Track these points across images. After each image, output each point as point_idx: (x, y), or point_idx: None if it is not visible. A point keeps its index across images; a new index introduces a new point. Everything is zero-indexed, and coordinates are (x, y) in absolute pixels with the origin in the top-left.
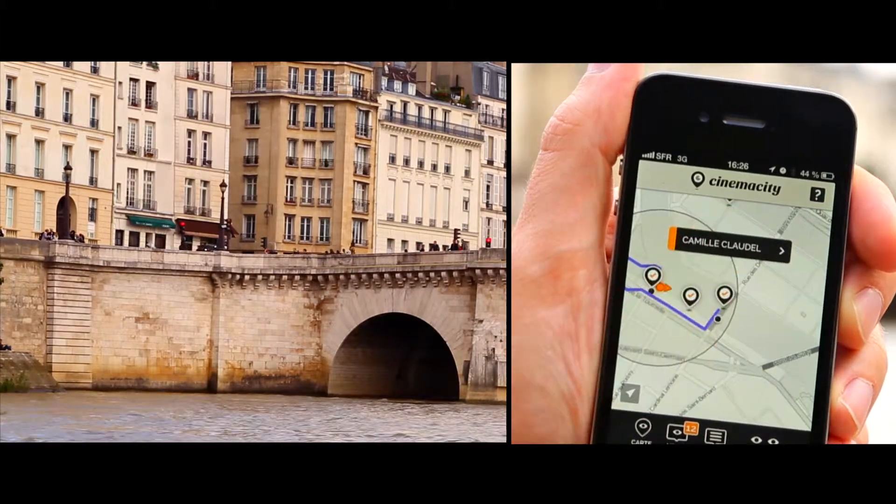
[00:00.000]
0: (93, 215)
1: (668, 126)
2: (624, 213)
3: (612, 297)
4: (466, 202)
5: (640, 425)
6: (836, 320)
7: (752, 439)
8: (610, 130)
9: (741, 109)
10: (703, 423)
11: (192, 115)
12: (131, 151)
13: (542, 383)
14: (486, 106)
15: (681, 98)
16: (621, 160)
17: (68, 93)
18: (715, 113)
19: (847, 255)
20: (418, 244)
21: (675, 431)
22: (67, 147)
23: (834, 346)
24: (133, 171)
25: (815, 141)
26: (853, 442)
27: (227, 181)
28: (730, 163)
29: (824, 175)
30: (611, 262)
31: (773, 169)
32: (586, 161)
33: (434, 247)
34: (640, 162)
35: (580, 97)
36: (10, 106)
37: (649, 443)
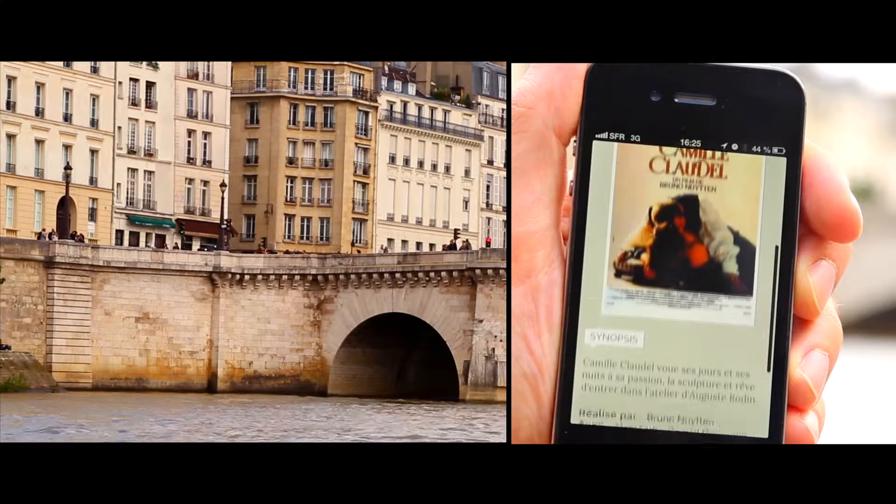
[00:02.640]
0: (93, 215)
1: (621, 106)
2: (579, 193)
3: (570, 277)
4: (466, 202)
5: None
6: (792, 292)
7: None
8: (562, 112)
9: (692, 87)
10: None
11: (192, 115)
12: (131, 151)
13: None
14: (486, 106)
15: (632, 78)
16: (575, 142)
17: (68, 93)
18: (666, 91)
19: (800, 229)
20: (418, 244)
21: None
22: (67, 147)
23: (790, 318)
24: (133, 171)
25: (766, 117)
26: (811, 411)
27: (227, 181)
28: (682, 140)
29: (776, 150)
30: (568, 242)
31: (725, 145)
32: (540, 143)
33: (451, 247)
34: (594, 142)
35: (532, 80)
36: (10, 106)
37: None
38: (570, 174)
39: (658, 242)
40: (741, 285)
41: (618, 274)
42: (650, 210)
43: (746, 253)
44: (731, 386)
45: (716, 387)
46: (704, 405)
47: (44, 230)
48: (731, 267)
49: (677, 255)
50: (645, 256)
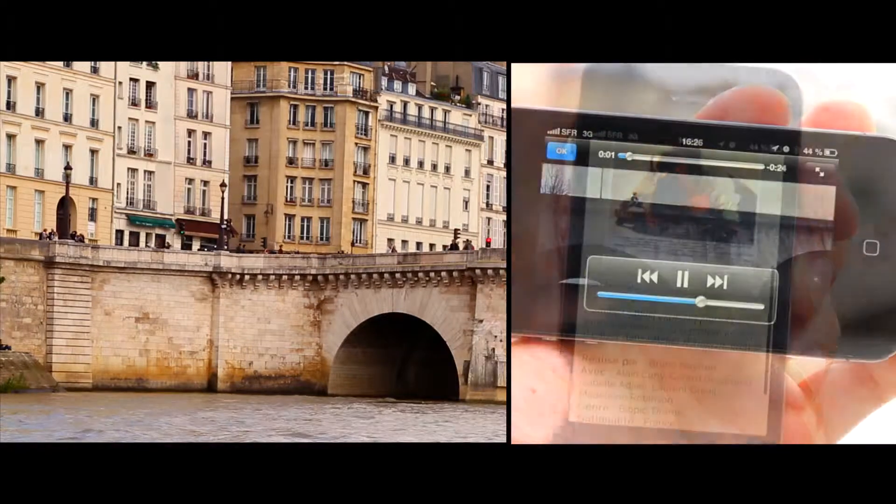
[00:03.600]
0: (93, 215)
1: (619, 105)
2: (574, 188)
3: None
4: (466, 202)
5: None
6: (790, 289)
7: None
8: (561, 113)
9: (690, 86)
10: None
11: (192, 115)
12: (131, 151)
13: None
14: (486, 106)
15: (629, 77)
16: (571, 139)
17: (68, 93)
18: (665, 90)
19: (798, 226)
20: (418, 244)
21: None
22: (67, 147)
23: (789, 316)
24: (133, 171)
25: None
26: (809, 409)
27: (227, 181)
28: (682, 140)
29: (775, 149)
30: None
31: (723, 144)
32: (536, 141)
33: (453, 247)
34: (591, 142)
35: (530, 79)
36: (10, 106)
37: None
38: (567, 172)
39: (660, 191)
40: (742, 233)
41: (620, 222)
42: (652, 159)
43: (747, 201)
44: (731, 326)
45: (718, 325)
46: (708, 336)
47: (44, 230)
48: (732, 215)
49: (679, 203)
50: (647, 205)
